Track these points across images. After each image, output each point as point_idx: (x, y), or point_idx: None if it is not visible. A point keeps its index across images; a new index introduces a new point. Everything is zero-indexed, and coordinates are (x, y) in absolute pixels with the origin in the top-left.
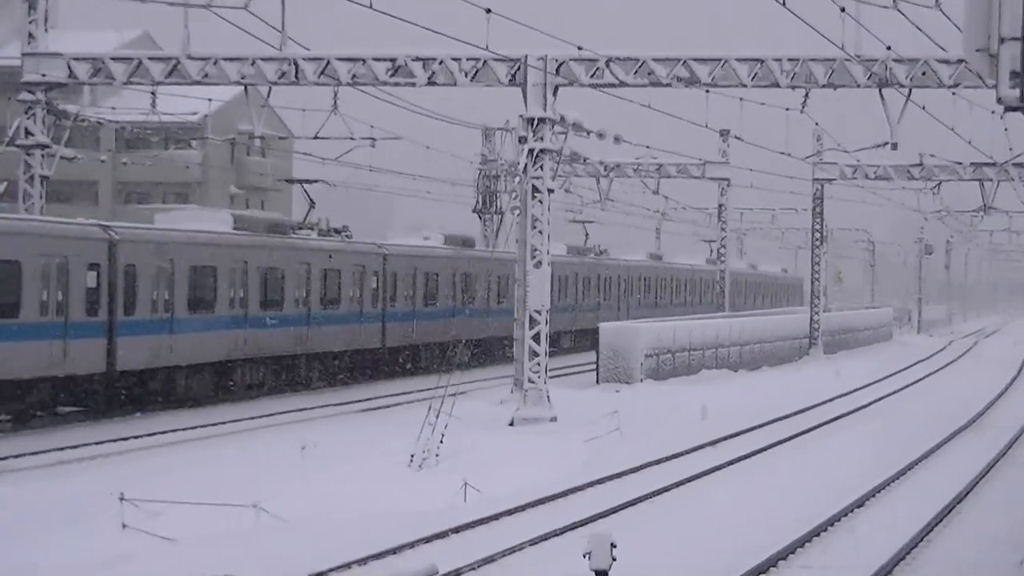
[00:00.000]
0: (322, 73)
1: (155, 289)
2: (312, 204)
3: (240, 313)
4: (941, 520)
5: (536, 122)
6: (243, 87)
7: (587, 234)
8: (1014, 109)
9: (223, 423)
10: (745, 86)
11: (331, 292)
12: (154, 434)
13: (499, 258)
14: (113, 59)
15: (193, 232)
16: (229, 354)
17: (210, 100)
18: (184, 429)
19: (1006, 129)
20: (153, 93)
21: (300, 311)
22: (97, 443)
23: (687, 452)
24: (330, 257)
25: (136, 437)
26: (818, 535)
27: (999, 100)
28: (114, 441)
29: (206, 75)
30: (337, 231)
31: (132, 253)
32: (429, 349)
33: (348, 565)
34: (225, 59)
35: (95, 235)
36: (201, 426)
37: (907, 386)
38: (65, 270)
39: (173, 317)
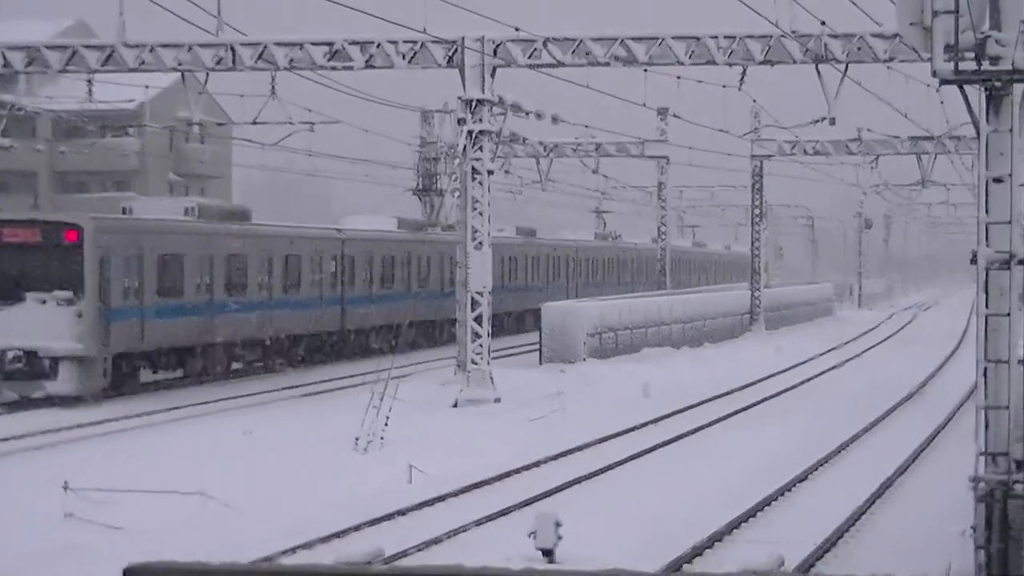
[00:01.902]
0: (259, 58)
1: (365, 272)
2: None
3: (404, 288)
4: (883, 492)
5: (474, 104)
6: (180, 74)
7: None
8: (949, 82)
9: (170, 409)
10: (682, 64)
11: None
12: (100, 422)
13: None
14: (48, 47)
15: (377, 230)
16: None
17: (147, 87)
18: (131, 416)
19: (942, 102)
20: (89, 81)
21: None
22: (42, 432)
23: (631, 430)
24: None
25: (80, 426)
26: (762, 510)
27: (934, 73)
28: (56, 431)
29: (142, 62)
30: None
31: (352, 248)
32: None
33: (294, 550)
34: (161, 46)
35: (334, 236)
36: (148, 413)
37: (848, 360)
38: (319, 260)
39: (372, 293)
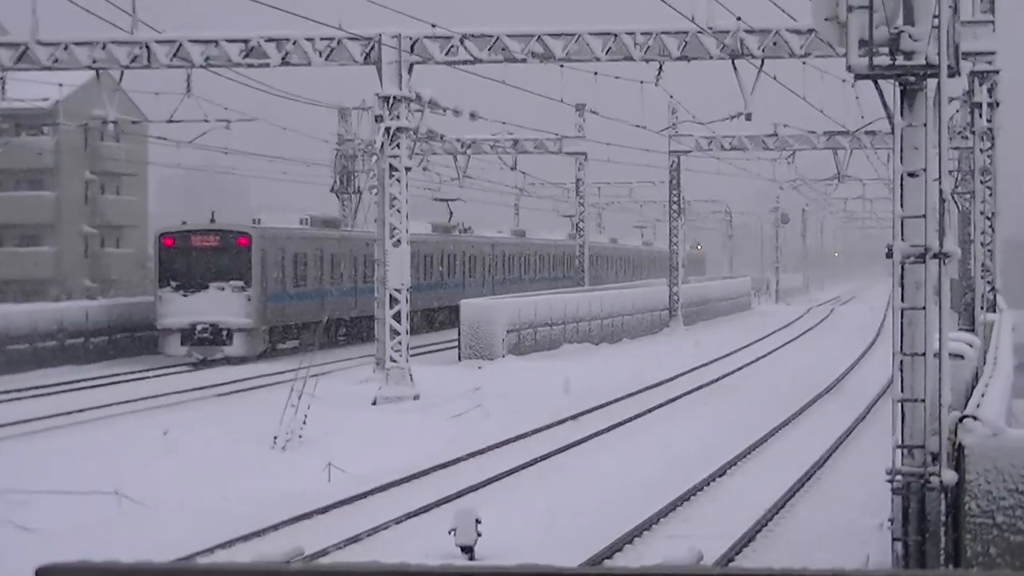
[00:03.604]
0: (175, 56)
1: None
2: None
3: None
4: (803, 486)
5: (392, 101)
6: (95, 71)
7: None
8: (864, 77)
9: (86, 409)
10: (599, 60)
11: None
12: (16, 423)
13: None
14: None
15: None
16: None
17: (61, 85)
18: (49, 416)
19: (857, 97)
20: (2, 79)
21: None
22: None
23: (550, 426)
24: None
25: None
26: (681, 504)
27: (849, 68)
28: None
29: (56, 60)
30: None
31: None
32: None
33: (212, 549)
34: (76, 44)
35: (370, 239)
36: (66, 412)
37: (766, 355)
38: (357, 257)
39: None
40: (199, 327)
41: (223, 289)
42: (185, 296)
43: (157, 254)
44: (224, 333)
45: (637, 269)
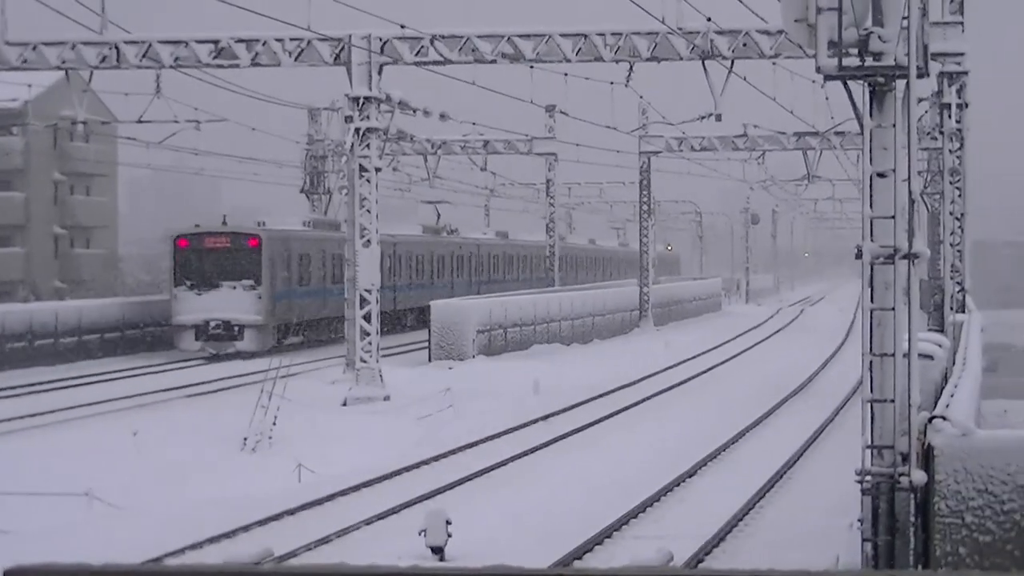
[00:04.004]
0: (144, 56)
1: (408, 266)
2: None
3: (429, 279)
4: (773, 486)
5: (362, 101)
6: (64, 72)
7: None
8: (833, 78)
9: (58, 410)
10: (569, 61)
11: None
12: None
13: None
14: None
15: (409, 234)
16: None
17: (30, 86)
18: (19, 417)
19: (827, 98)
20: None
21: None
22: None
23: (520, 427)
24: None
25: None
26: (651, 505)
27: (818, 69)
28: None
29: (25, 60)
30: None
31: (401, 248)
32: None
33: (182, 550)
34: (45, 44)
35: (389, 240)
36: (39, 413)
37: (736, 355)
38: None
39: (410, 283)
40: (212, 323)
41: (235, 288)
42: (199, 294)
43: (172, 255)
44: (236, 329)
45: (615, 269)
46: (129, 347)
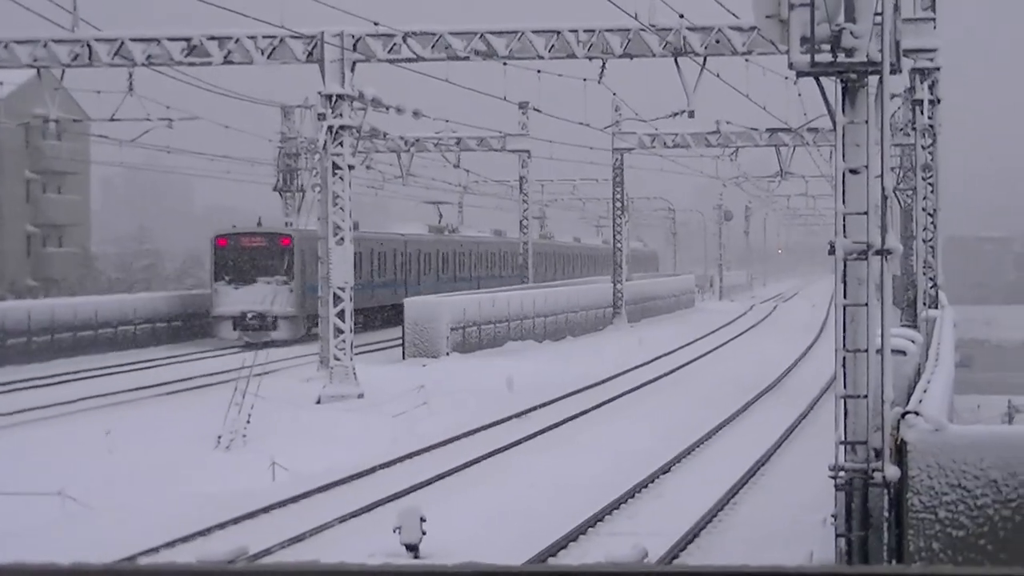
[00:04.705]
0: (116, 54)
1: (419, 264)
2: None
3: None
4: (747, 482)
5: (335, 99)
6: (36, 70)
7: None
8: (806, 74)
9: (30, 409)
10: (542, 58)
11: None
12: None
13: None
14: None
15: (420, 234)
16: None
17: (1, 83)
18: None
19: (799, 94)
20: None
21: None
22: None
23: (494, 424)
24: None
25: None
26: (626, 502)
27: (791, 65)
28: None
29: None
30: None
31: (412, 247)
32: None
33: (156, 549)
34: (16, 42)
35: (399, 239)
36: (8, 413)
37: (709, 352)
38: (394, 255)
39: (420, 280)
40: (249, 315)
41: (269, 282)
42: (236, 288)
43: (212, 253)
44: (271, 320)
45: (600, 266)
46: (170, 337)
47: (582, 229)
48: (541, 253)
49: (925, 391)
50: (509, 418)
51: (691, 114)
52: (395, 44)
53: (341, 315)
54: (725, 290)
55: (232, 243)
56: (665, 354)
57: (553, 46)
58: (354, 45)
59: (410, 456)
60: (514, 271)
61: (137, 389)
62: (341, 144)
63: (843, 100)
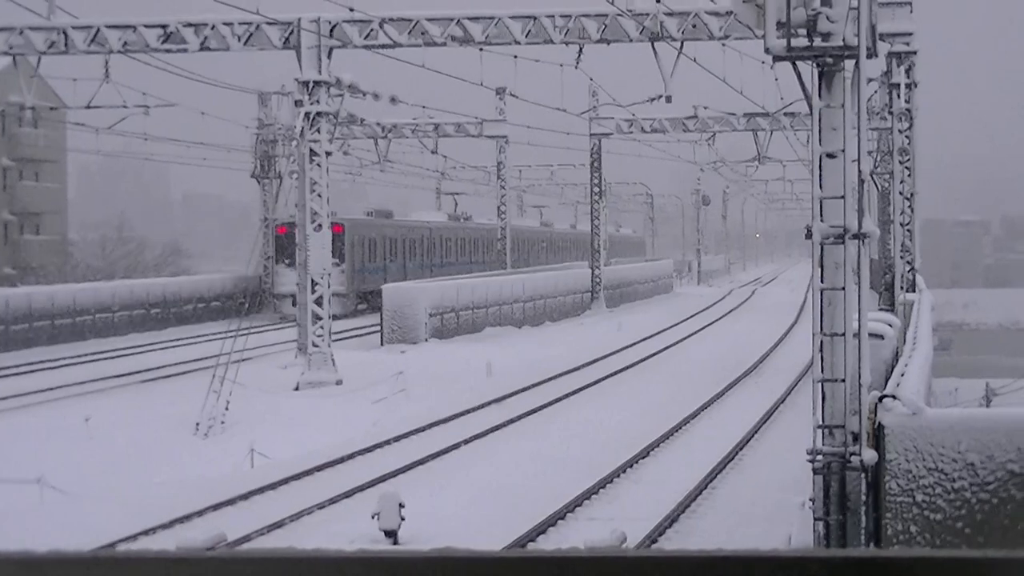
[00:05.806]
0: (92, 41)
1: (442, 249)
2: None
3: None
4: (726, 466)
5: (311, 85)
6: (11, 57)
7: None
8: (782, 58)
9: (9, 397)
10: (519, 43)
11: None
12: None
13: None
14: None
15: (435, 221)
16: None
17: None
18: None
19: (776, 79)
20: None
21: None
22: None
23: (474, 410)
24: None
25: None
26: (604, 487)
27: (767, 50)
28: None
29: None
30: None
31: (438, 235)
32: None
33: (135, 536)
34: None
35: (413, 225)
36: None
37: (688, 336)
38: (422, 240)
39: (442, 263)
40: None
41: None
42: (295, 270)
43: (274, 239)
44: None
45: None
46: (224, 314)
47: (580, 218)
48: (540, 240)
49: (902, 375)
50: (488, 403)
51: (668, 99)
52: (372, 30)
53: (319, 302)
54: (703, 275)
55: (291, 231)
56: (644, 339)
57: (530, 31)
58: (331, 31)
59: (388, 442)
60: (519, 255)
61: (116, 376)
62: (318, 130)
63: (820, 84)
